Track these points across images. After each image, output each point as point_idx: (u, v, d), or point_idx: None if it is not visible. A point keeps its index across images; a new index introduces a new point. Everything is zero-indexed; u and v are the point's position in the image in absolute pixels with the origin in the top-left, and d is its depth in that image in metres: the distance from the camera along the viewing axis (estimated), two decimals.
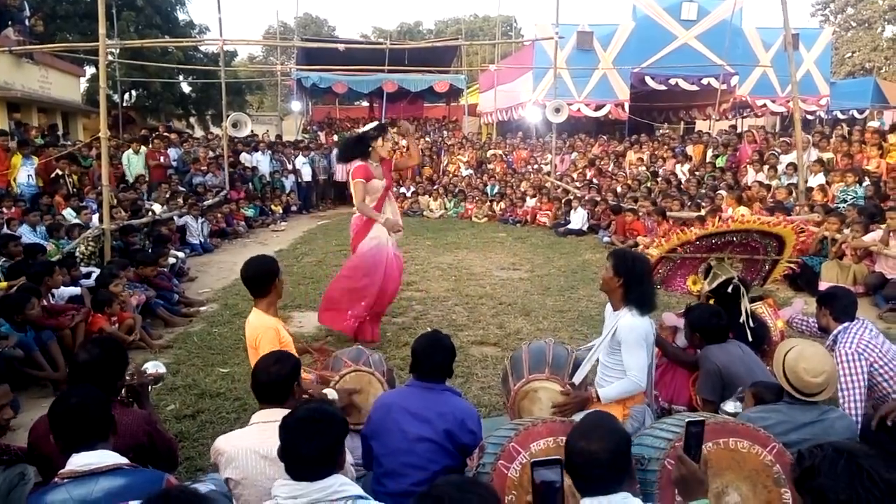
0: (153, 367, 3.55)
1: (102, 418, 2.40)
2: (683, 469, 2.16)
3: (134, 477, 2.30)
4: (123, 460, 2.36)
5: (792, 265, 4.94)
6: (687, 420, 2.26)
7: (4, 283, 6.25)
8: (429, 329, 3.33)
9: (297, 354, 3.57)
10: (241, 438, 2.71)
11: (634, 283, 3.39)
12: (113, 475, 2.27)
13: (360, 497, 2.22)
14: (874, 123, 18.05)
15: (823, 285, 7.91)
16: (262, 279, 3.58)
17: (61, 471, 2.29)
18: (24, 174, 10.59)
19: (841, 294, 4.05)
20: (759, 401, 3.20)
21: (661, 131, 23.01)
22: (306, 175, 17.20)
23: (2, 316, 5.35)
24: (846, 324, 3.81)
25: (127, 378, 3.07)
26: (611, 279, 3.45)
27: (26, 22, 15.71)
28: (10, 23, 14.49)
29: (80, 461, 2.28)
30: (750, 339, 4.10)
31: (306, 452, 2.17)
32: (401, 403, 3.02)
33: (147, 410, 3.15)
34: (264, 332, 3.46)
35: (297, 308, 7.56)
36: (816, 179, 11.22)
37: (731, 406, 3.39)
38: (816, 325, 4.20)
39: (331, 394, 3.32)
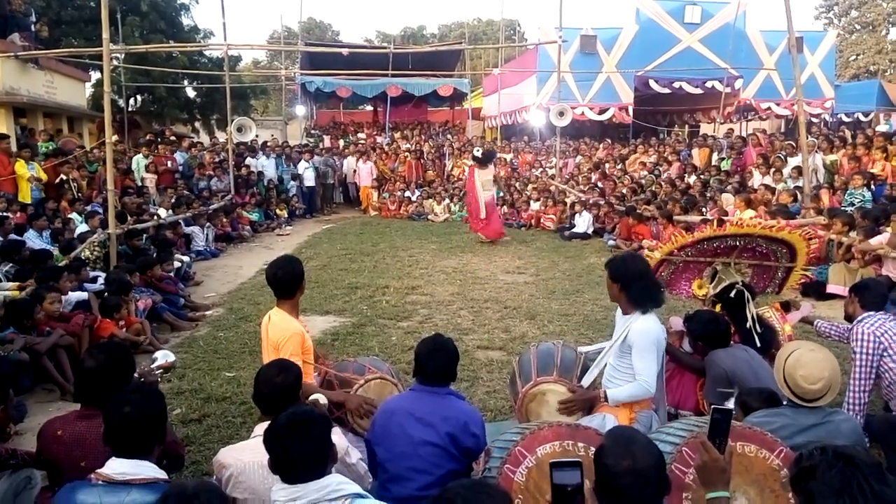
0: (163, 356, 3.53)
1: (152, 432, 2.38)
2: (706, 456, 2.02)
3: None
4: (161, 475, 2.33)
5: (807, 273, 4.94)
6: (713, 406, 2.15)
7: (17, 288, 6.26)
8: (433, 333, 3.30)
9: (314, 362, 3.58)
10: (245, 452, 2.66)
11: (632, 282, 3.42)
12: (148, 488, 2.24)
13: (359, 496, 2.21)
14: (882, 127, 17.98)
15: (831, 288, 7.89)
16: (292, 282, 3.58)
17: (98, 470, 2.27)
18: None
19: (873, 285, 4.18)
20: (747, 410, 3.15)
21: (662, 135, 22.98)
22: (308, 180, 17.17)
23: (10, 320, 5.37)
24: (872, 312, 3.88)
25: (135, 377, 3.04)
26: (611, 286, 3.53)
27: (32, 27, 15.78)
28: (15, 28, 14.56)
29: (117, 467, 2.27)
30: (758, 343, 4.09)
31: (298, 456, 2.17)
32: (404, 408, 3.00)
33: None
34: (290, 337, 3.45)
35: (302, 312, 7.51)
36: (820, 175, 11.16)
37: (729, 403, 3.41)
38: (842, 329, 4.21)
39: (321, 398, 3.27)
